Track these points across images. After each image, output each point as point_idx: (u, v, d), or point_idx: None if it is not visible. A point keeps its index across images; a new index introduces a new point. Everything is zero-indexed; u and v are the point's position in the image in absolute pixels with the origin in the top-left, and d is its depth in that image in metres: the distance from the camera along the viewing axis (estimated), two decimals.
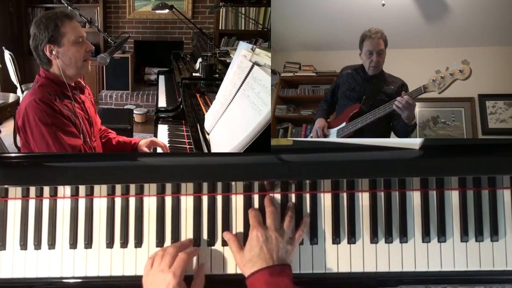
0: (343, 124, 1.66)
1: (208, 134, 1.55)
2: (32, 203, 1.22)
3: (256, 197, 1.21)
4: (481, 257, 1.18)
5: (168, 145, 1.74)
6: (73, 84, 1.45)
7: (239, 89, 1.44)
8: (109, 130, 1.70)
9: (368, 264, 1.19)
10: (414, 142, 1.16)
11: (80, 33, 1.41)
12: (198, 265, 1.19)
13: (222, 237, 1.19)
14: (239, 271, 1.18)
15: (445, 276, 1.18)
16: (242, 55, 1.52)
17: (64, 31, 1.37)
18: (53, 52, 1.37)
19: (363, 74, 1.76)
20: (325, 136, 1.70)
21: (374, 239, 1.19)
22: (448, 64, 1.43)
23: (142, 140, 1.64)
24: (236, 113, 1.40)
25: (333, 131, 1.70)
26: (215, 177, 1.18)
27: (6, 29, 4.79)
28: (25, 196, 1.22)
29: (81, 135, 1.40)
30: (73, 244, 1.20)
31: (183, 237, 1.20)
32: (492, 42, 2.58)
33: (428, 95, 2.65)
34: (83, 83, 1.54)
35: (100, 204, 1.22)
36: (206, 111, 1.73)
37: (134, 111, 4.45)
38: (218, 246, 1.20)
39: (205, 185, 1.21)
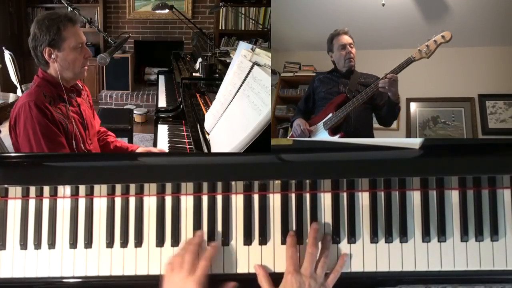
0: (330, 115, 1.64)
1: (208, 134, 1.55)
2: (32, 203, 1.22)
3: (256, 197, 1.21)
4: (481, 257, 1.18)
5: (168, 145, 1.75)
6: (69, 87, 1.45)
7: (239, 89, 1.44)
8: (109, 133, 1.70)
9: (368, 263, 1.19)
10: (414, 142, 1.16)
11: (81, 39, 1.40)
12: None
13: (222, 237, 1.19)
14: (239, 271, 1.18)
15: (445, 276, 1.18)
16: (242, 55, 1.53)
17: (66, 35, 1.36)
18: (52, 56, 1.37)
19: (338, 74, 1.75)
20: (309, 132, 1.68)
21: (374, 238, 1.19)
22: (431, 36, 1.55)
23: (139, 148, 1.64)
24: (236, 113, 1.40)
25: (319, 124, 1.67)
26: (215, 177, 1.18)
27: (6, 29, 4.79)
28: (25, 196, 1.22)
29: (74, 140, 1.39)
30: (73, 244, 1.20)
31: (183, 237, 1.20)
32: (492, 42, 2.58)
33: (428, 95, 2.66)
34: (80, 85, 1.53)
35: (100, 204, 1.22)
36: (206, 111, 1.74)
37: (134, 111, 4.46)
38: (218, 246, 1.19)
39: (205, 185, 1.21)
